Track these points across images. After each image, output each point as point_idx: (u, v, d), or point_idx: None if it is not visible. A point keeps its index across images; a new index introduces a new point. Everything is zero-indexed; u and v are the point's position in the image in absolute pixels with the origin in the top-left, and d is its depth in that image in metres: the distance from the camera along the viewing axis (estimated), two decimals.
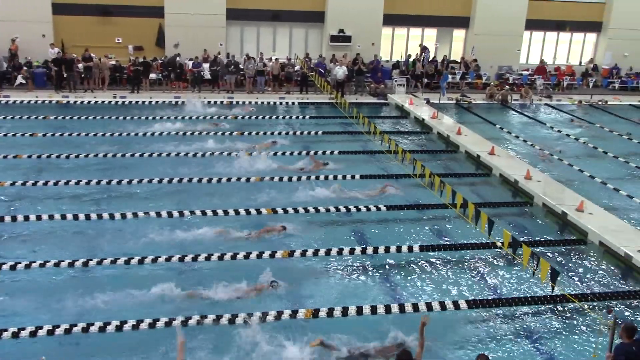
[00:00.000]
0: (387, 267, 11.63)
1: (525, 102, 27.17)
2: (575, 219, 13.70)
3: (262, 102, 24.51)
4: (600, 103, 27.48)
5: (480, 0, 29.82)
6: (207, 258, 11.42)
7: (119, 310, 9.54)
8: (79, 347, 8.84)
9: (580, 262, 12.32)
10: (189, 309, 9.67)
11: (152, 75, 25.82)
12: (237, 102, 24.24)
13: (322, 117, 23.22)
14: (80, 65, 24.91)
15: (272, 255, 11.56)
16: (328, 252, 11.86)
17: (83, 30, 26.30)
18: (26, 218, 12.80)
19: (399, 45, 30.71)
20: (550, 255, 12.28)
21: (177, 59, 26.13)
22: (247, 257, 11.52)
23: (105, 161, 16.96)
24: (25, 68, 24.91)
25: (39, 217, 12.85)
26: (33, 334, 8.91)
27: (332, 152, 18.31)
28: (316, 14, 28.67)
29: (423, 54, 29.00)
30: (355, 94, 27.06)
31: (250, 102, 24.30)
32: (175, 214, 13.32)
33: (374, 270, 11.50)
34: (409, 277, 11.23)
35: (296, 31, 29.31)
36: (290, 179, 15.88)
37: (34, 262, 10.93)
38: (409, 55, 29.75)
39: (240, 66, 26.38)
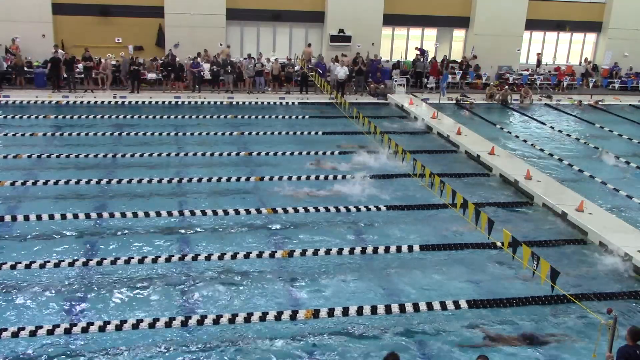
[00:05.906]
0: (386, 267, 11.63)
1: (525, 102, 27.15)
2: (575, 219, 13.69)
3: (262, 102, 24.50)
4: (601, 103, 27.47)
5: (480, 0, 29.79)
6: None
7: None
8: (78, 347, 8.82)
9: (580, 262, 12.31)
10: None
11: (152, 75, 25.80)
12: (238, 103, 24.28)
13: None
14: (81, 65, 24.90)
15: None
16: (328, 252, 11.86)
17: (83, 30, 26.31)
18: (26, 218, 12.81)
19: (399, 45, 30.71)
20: (551, 256, 12.25)
21: (177, 58, 26.08)
22: None
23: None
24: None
25: (39, 217, 12.84)
26: (33, 333, 8.91)
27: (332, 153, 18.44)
28: (316, 14, 28.66)
29: (422, 56, 28.92)
30: (355, 94, 27.06)
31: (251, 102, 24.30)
32: None
33: (374, 270, 11.50)
34: (409, 277, 11.23)
35: (296, 31, 29.29)
36: None
37: (34, 262, 10.93)
38: (398, 61, 29.76)
39: (238, 65, 26.32)
